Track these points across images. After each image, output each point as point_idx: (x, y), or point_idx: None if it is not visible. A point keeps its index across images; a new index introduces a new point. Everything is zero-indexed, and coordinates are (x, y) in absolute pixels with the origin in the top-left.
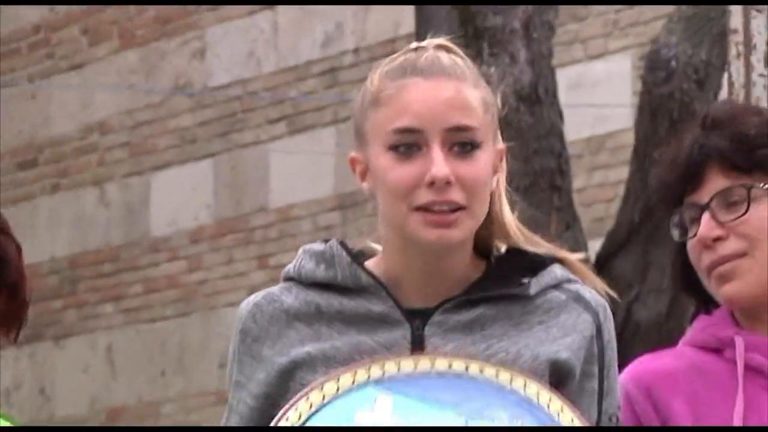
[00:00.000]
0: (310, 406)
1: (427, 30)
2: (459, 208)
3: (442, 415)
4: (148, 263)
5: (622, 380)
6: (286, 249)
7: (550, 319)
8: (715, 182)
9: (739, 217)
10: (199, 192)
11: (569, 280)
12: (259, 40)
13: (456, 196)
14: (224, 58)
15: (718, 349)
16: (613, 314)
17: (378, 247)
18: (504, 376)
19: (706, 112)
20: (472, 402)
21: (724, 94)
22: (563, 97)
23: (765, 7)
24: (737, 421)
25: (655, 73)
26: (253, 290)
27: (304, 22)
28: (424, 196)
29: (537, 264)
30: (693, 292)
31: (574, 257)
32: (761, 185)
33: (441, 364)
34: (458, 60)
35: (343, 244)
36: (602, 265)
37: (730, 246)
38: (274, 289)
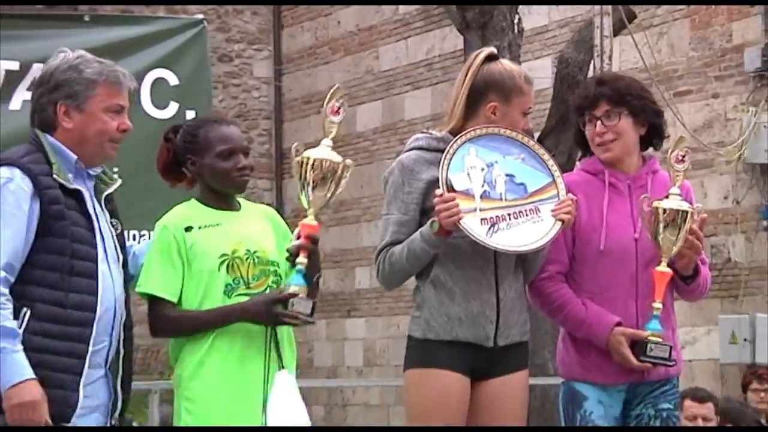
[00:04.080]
0: (447, 156)
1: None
2: None
3: (491, 154)
4: (354, 156)
5: None
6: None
7: None
8: (603, 107)
9: (615, 124)
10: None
11: None
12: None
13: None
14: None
15: (596, 173)
16: None
17: None
18: (524, 138)
19: (601, 75)
20: (503, 146)
21: (590, 75)
22: None
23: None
24: (605, 208)
25: (561, 65)
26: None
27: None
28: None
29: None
30: (584, 147)
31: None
32: (625, 112)
33: (493, 129)
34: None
35: (450, 133)
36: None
37: (608, 136)
38: (418, 151)
